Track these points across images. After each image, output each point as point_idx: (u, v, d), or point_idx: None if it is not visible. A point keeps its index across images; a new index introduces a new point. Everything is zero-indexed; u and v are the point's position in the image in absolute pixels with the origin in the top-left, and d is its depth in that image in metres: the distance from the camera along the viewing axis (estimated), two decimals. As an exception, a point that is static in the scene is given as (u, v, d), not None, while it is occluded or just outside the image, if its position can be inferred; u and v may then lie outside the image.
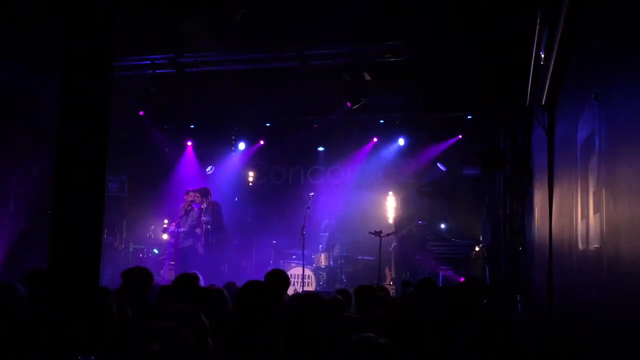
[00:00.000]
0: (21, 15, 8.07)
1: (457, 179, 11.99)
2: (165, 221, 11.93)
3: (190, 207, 10.81)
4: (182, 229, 10.70)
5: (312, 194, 10.93)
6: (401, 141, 12.57)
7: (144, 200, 13.06)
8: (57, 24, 7.96)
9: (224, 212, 11.66)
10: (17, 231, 10.15)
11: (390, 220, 11.16)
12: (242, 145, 13.53)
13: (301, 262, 10.39)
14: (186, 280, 5.09)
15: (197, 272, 6.95)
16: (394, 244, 11.08)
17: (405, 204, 11.58)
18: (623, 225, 2.43)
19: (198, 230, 10.87)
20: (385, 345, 2.47)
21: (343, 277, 11.24)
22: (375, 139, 12.80)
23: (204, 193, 11.11)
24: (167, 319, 3.16)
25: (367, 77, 9.43)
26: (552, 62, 4.41)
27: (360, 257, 11.58)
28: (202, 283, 6.11)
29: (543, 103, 5.21)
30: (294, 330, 3.67)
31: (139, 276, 5.04)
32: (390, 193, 12.06)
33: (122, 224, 12.29)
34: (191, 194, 10.97)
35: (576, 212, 3.58)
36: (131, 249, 12.17)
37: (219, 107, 12.09)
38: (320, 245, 11.62)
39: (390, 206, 11.69)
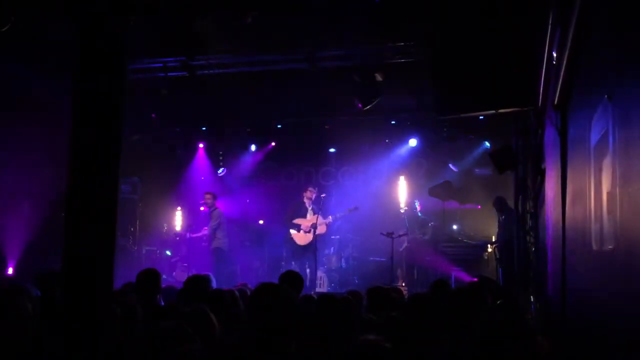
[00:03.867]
0: (35, 16, 8.15)
1: (469, 179, 11.96)
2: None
3: (214, 208, 10.93)
4: (205, 232, 10.85)
5: (323, 195, 10.92)
6: (413, 142, 12.55)
7: (156, 202, 13.13)
8: (71, 26, 8.03)
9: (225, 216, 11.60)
10: (31, 233, 10.24)
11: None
12: (253, 147, 13.57)
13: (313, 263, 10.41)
14: (197, 282, 5.10)
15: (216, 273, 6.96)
16: (405, 245, 11.05)
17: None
18: (637, 226, 2.42)
19: (219, 232, 10.94)
20: (388, 349, 2.47)
21: (355, 278, 11.23)
22: (386, 140, 12.78)
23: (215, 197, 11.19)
24: (176, 320, 3.18)
25: (379, 78, 9.41)
26: (565, 62, 4.39)
27: (372, 258, 11.56)
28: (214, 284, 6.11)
29: (555, 103, 5.19)
30: (309, 332, 3.67)
31: (147, 277, 5.07)
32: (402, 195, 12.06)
33: (134, 226, 12.35)
34: (208, 196, 11.05)
35: (590, 213, 3.56)
36: (144, 251, 12.24)
37: (230, 109, 12.13)
38: (332, 247, 11.61)
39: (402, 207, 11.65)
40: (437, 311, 3.87)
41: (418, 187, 12.19)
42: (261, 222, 11.52)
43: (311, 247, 10.40)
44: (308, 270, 10.45)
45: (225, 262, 10.75)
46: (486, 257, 10.62)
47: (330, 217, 10.58)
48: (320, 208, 10.59)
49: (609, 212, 3.00)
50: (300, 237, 10.46)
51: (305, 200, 10.79)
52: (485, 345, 2.94)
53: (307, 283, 10.36)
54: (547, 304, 6.85)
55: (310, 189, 10.90)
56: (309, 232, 10.38)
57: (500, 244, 10.03)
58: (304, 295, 5.97)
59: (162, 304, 5.00)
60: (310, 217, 10.55)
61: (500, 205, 10.30)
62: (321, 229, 10.41)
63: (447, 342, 3.46)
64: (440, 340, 3.49)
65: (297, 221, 10.57)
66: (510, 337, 2.93)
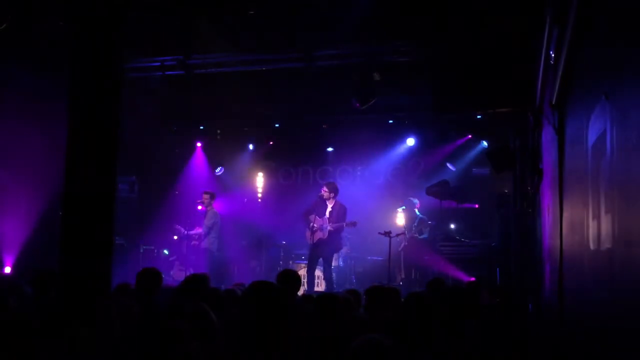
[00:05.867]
0: (32, 18, 8.12)
1: (467, 179, 11.97)
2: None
3: (210, 208, 10.84)
4: (199, 230, 10.79)
5: (320, 194, 10.89)
6: (410, 141, 12.55)
7: (153, 201, 13.11)
8: (68, 27, 8.01)
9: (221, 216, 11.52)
10: (29, 232, 10.21)
11: (400, 222, 11.12)
12: (251, 146, 13.57)
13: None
14: (195, 281, 5.10)
15: (207, 273, 6.93)
16: (403, 244, 11.05)
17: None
18: (635, 226, 2.42)
19: (213, 233, 10.88)
20: (390, 347, 2.47)
21: (352, 277, 11.23)
22: (384, 139, 12.78)
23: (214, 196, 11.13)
24: (178, 319, 3.18)
25: (377, 77, 9.39)
26: (562, 61, 4.39)
27: (369, 258, 11.56)
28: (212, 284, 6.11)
29: (553, 102, 5.19)
30: (308, 330, 3.67)
31: (147, 276, 5.07)
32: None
33: (132, 225, 12.32)
34: (206, 195, 10.97)
35: (587, 212, 3.56)
36: (141, 250, 12.21)
37: (228, 108, 12.12)
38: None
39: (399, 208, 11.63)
40: (433, 310, 3.86)
41: (415, 186, 12.19)
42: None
43: (316, 248, 10.04)
44: (318, 271, 10.28)
45: (212, 264, 10.66)
46: (483, 257, 10.61)
47: (331, 225, 10.04)
48: (335, 214, 10.12)
49: (606, 211, 3.00)
50: (308, 236, 10.22)
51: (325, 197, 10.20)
52: (481, 344, 2.94)
53: (316, 285, 10.29)
54: (544, 303, 6.85)
55: (324, 188, 10.27)
56: (314, 232, 10.06)
57: (498, 243, 10.03)
58: (304, 294, 5.97)
59: (159, 303, 5.00)
60: (320, 218, 10.11)
61: (500, 203, 10.27)
62: (322, 234, 10.02)
63: (444, 341, 3.46)
64: (436, 339, 3.49)
65: (310, 217, 10.14)
66: (507, 337, 2.93)
